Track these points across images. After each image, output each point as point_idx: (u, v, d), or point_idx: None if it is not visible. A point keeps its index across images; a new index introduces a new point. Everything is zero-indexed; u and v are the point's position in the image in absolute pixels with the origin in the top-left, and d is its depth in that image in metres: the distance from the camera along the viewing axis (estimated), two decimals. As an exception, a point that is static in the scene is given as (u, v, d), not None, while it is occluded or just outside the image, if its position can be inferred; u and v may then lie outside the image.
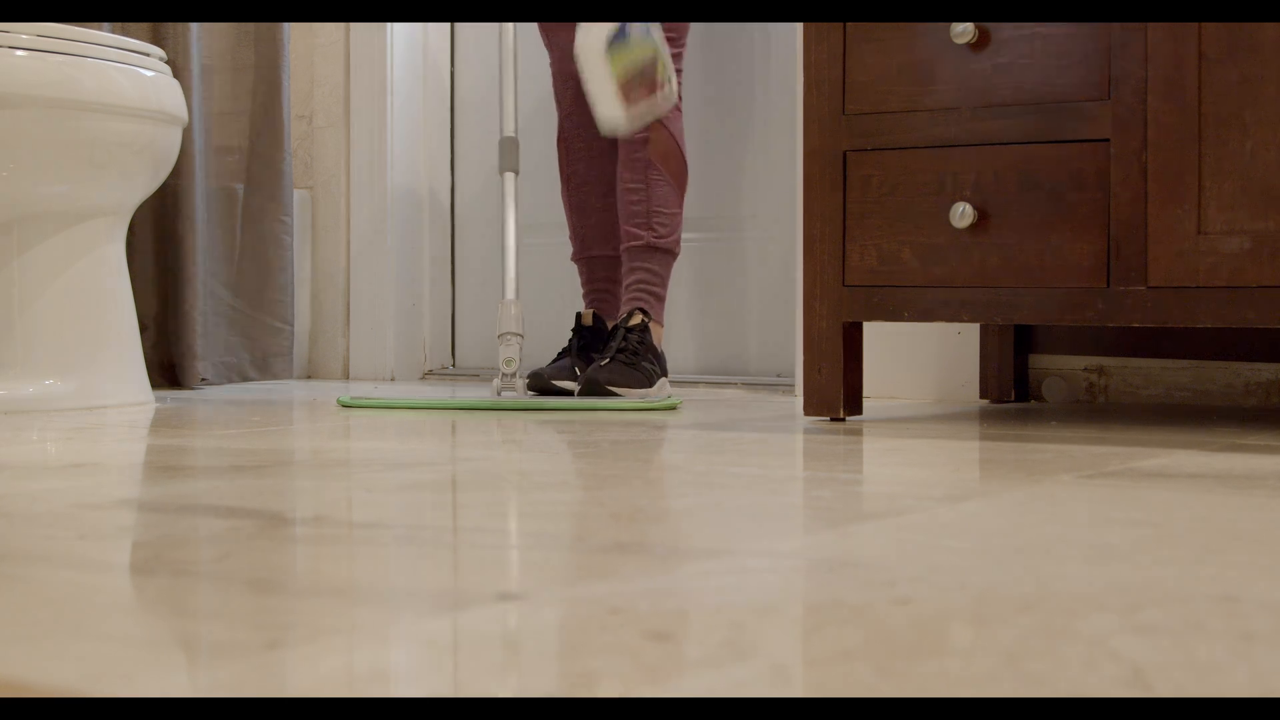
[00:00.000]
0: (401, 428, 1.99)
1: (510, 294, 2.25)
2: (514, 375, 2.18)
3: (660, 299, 2.63)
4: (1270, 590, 0.85)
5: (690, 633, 0.74)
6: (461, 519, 1.19)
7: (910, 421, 2.08)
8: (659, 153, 2.62)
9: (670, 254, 2.64)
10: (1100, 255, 1.89)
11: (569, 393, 2.59)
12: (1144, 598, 0.82)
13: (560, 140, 2.75)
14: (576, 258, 2.77)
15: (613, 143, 2.68)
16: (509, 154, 2.24)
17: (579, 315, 2.72)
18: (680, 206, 2.65)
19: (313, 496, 1.30)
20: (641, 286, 2.62)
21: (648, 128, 2.58)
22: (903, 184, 2.01)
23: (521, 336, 2.26)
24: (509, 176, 2.24)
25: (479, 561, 0.98)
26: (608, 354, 2.52)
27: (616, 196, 2.67)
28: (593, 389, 2.46)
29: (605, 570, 0.93)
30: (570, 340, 2.70)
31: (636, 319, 2.59)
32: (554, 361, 2.69)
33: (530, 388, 2.60)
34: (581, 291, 2.78)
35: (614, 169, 2.69)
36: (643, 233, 2.61)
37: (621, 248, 2.65)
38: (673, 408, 2.23)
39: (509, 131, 2.25)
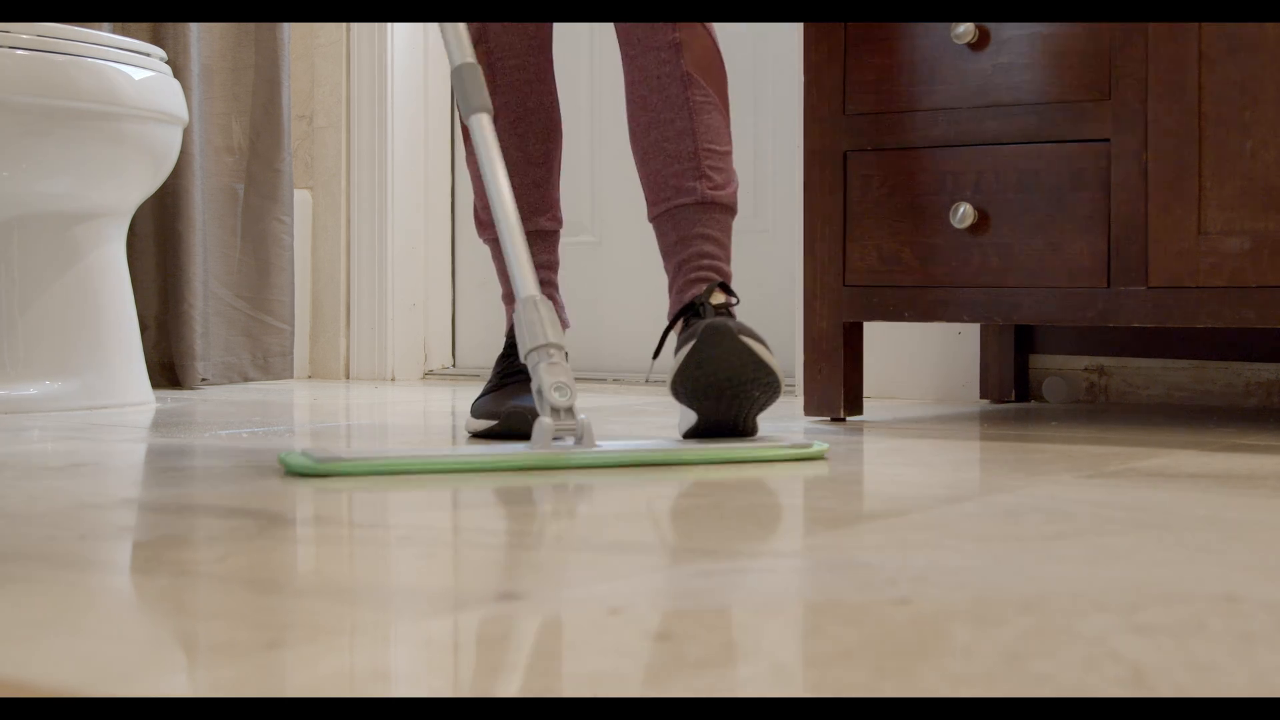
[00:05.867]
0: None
1: (529, 288, 1.51)
2: (570, 410, 1.45)
3: (729, 275, 1.80)
4: (1271, 590, 0.85)
5: (690, 633, 0.74)
6: (461, 519, 1.19)
7: (911, 422, 2.08)
8: (697, 60, 1.78)
9: (731, 211, 1.81)
10: (1100, 255, 1.89)
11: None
12: (1144, 598, 0.82)
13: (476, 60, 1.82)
14: (491, 235, 1.89)
15: (546, 59, 1.90)
16: (472, 86, 1.56)
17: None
18: (731, 140, 1.83)
19: (312, 497, 1.29)
20: (706, 262, 1.77)
21: (676, 25, 1.76)
22: (903, 184, 2.01)
23: (564, 350, 1.50)
24: (480, 120, 1.56)
25: (479, 561, 0.98)
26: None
27: (633, 131, 1.82)
28: (721, 342, 1.61)
29: (606, 570, 0.93)
30: (516, 356, 1.85)
31: (719, 296, 1.73)
32: (491, 390, 1.85)
33: (499, 432, 1.76)
34: (506, 286, 1.92)
35: (552, 100, 1.91)
36: (693, 183, 1.77)
37: (654, 214, 1.80)
38: (819, 457, 1.56)
39: (466, 57, 1.57)
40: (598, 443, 1.47)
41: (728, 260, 1.80)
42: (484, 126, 1.59)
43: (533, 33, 1.87)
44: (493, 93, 1.85)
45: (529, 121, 1.87)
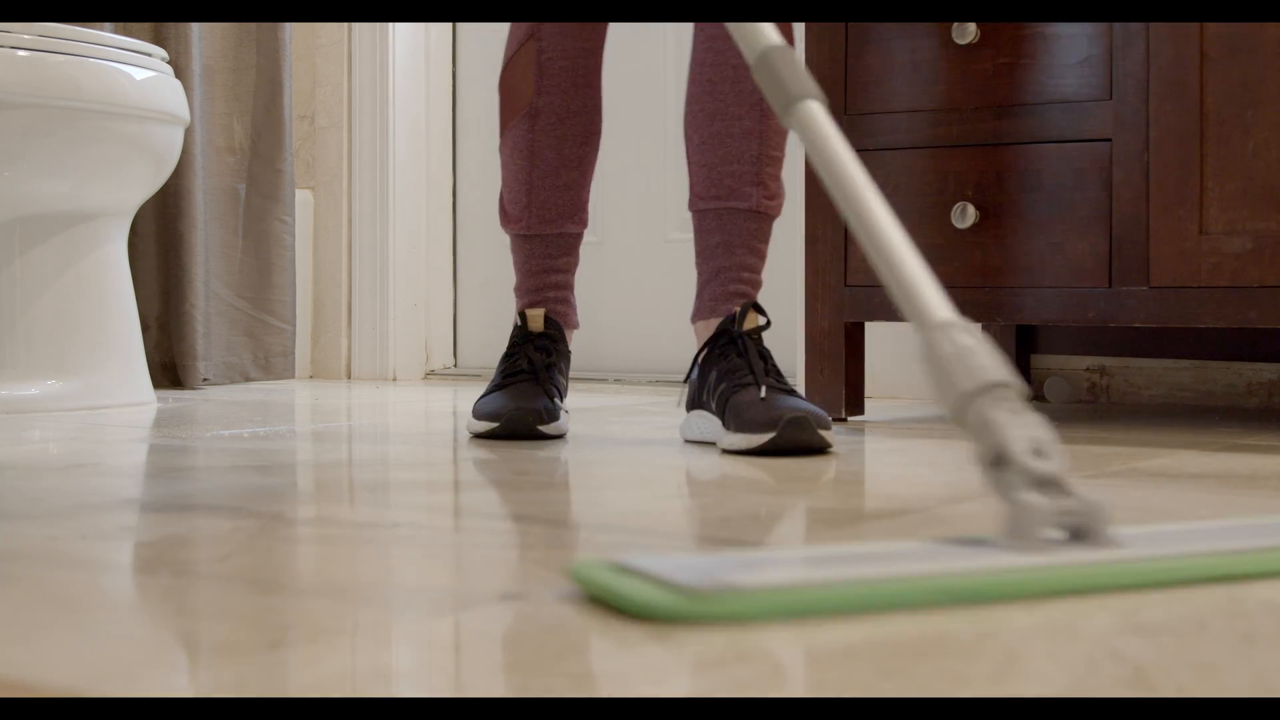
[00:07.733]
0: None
1: (942, 310, 0.99)
2: (1060, 483, 0.87)
3: (760, 285, 1.81)
4: (1272, 591, 0.85)
5: (692, 632, 0.74)
6: (464, 519, 1.19)
7: (912, 421, 2.08)
8: None
9: (773, 220, 1.80)
10: (1102, 255, 1.89)
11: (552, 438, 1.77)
12: (1146, 598, 0.82)
13: (522, 58, 1.85)
14: (522, 231, 1.88)
15: (597, 62, 1.87)
16: (788, 73, 1.13)
17: (524, 316, 1.86)
18: (785, 149, 1.82)
19: (314, 497, 1.29)
20: (747, 273, 1.78)
21: None
22: (905, 184, 2.01)
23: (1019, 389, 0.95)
24: (808, 107, 1.11)
25: (480, 561, 0.98)
26: (760, 383, 1.65)
27: (693, 114, 1.80)
28: (801, 438, 1.57)
29: (607, 570, 0.93)
30: (520, 356, 1.83)
31: (752, 319, 1.73)
32: (494, 390, 1.82)
33: (501, 433, 1.74)
34: (520, 280, 1.90)
35: (596, 104, 1.88)
36: (750, 190, 1.76)
37: (700, 208, 1.79)
38: None
39: (772, 41, 1.17)
40: (1112, 531, 0.87)
41: (762, 270, 1.79)
42: (815, 113, 1.11)
43: (587, 34, 1.85)
44: (538, 92, 1.84)
45: (570, 124, 1.85)
